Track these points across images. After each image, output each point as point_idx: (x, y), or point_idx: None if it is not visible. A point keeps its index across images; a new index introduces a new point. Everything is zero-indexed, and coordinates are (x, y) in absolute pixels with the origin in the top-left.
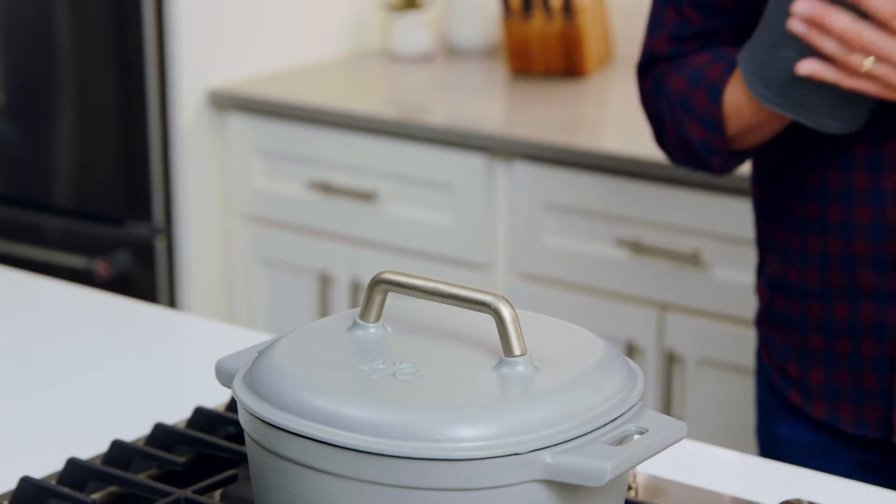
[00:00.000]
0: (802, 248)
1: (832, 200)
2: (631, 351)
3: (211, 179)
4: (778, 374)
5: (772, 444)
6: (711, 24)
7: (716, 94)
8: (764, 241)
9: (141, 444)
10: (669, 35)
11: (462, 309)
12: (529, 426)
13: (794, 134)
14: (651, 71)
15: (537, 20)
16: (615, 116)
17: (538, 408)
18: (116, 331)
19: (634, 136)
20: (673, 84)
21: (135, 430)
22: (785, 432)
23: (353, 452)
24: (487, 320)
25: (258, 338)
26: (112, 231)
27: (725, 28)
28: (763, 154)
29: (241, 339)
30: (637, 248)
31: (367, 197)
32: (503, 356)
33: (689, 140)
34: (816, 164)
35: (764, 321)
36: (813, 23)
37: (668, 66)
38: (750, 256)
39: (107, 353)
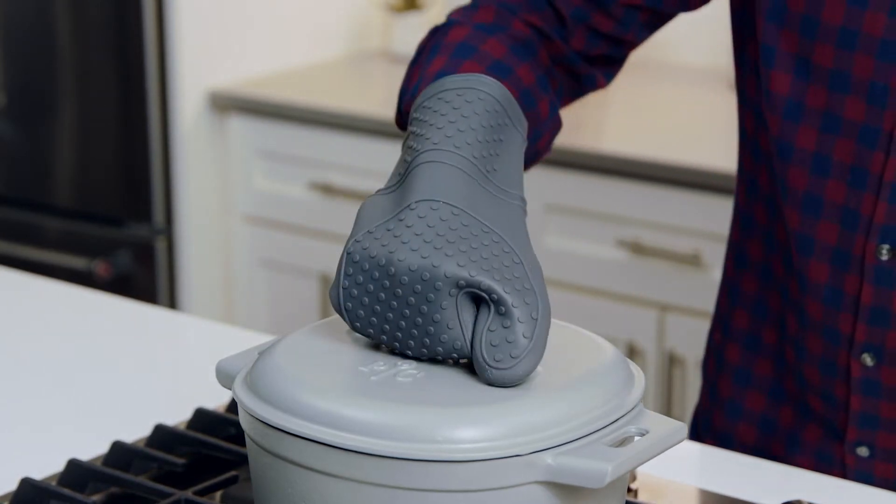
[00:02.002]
0: (756, 331)
1: (792, 306)
2: (631, 352)
3: (211, 180)
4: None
5: None
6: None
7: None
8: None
9: (141, 445)
10: None
11: None
12: (530, 428)
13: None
14: None
15: None
16: (615, 117)
17: (539, 409)
18: (117, 332)
19: (634, 137)
20: (455, 34)
21: (135, 431)
22: None
23: (353, 454)
24: None
25: (259, 339)
26: (112, 232)
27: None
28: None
29: (241, 340)
30: (637, 248)
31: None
32: None
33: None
34: (780, 251)
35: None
36: None
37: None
38: None
39: (107, 353)
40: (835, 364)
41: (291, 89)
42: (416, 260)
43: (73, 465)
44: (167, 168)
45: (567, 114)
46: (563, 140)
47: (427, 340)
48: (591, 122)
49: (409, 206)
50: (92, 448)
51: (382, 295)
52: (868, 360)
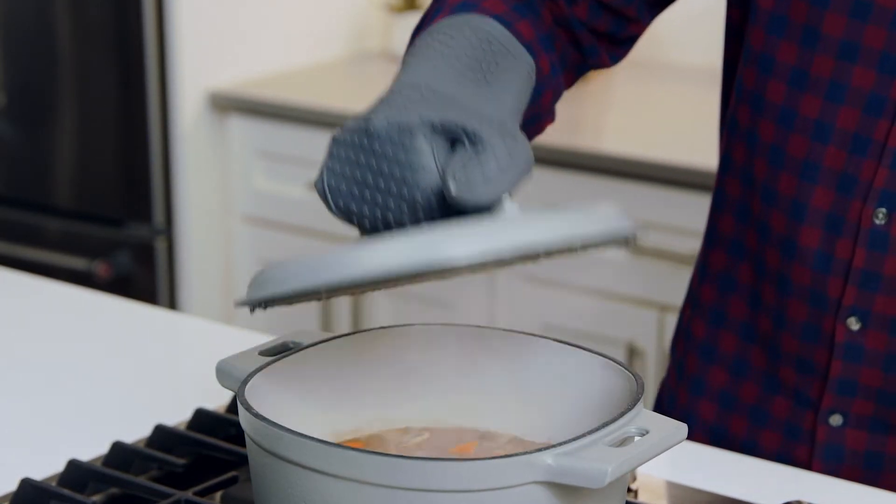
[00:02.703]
0: (721, 305)
1: (768, 276)
2: (631, 353)
3: (211, 181)
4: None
5: None
6: None
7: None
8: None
9: (141, 445)
10: None
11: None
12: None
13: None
14: None
15: None
16: (615, 117)
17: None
18: (117, 332)
19: (634, 137)
20: None
21: (135, 432)
22: None
23: (353, 453)
24: None
25: (259, 339)
26: (112, 232)
27: None
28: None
29: (241, 341)
30: (637, 249)
31: None
32: None
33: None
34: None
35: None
36: None
37: None
38: None
39: (107, 354)
40: (818, 329)
41: (291, 90)
42: (394, 114)
43: (73, 466)
44: (167, 168)
45: (567, 114)
46: (563, 140)
47: (405, 190)
48: (590, 122)
49: (391, 89)
50: (92, 448)
51: (362, 157)
52: (854, 323)
